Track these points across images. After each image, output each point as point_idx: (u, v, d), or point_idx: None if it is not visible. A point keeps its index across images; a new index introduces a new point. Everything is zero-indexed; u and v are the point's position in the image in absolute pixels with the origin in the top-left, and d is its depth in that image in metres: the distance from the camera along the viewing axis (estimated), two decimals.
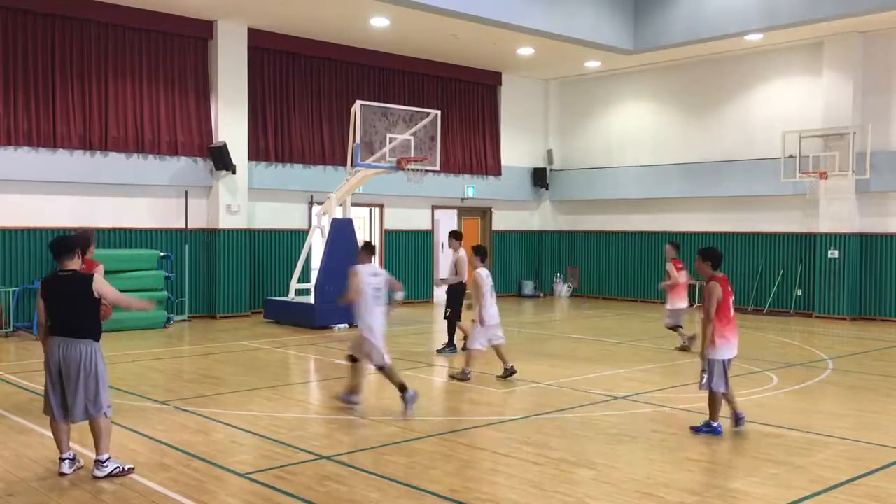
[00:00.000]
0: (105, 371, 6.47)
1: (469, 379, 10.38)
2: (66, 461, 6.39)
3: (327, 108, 18.92)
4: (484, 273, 10.55)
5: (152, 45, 16.35)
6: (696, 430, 7.88)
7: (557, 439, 7.56)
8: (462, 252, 12.99)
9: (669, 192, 20.91)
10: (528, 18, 17.17)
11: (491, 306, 10.45)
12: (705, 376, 7.82)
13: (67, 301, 6.36)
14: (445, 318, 12.95)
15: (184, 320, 16.52)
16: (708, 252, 8.07)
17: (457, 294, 12.90)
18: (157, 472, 6.50)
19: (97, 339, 6.43)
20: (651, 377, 10.81)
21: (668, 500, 5.90)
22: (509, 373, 10.48)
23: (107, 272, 10.06)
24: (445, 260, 16.20)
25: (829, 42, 17.99)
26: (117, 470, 6.31)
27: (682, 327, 13.36)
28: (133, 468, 6.43)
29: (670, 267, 13.36)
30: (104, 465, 6.29)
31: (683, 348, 13.10)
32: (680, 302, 13.37)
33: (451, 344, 12.89)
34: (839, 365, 11.98)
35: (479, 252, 10.96)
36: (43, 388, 6.51)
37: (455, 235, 13.26)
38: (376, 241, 20.41)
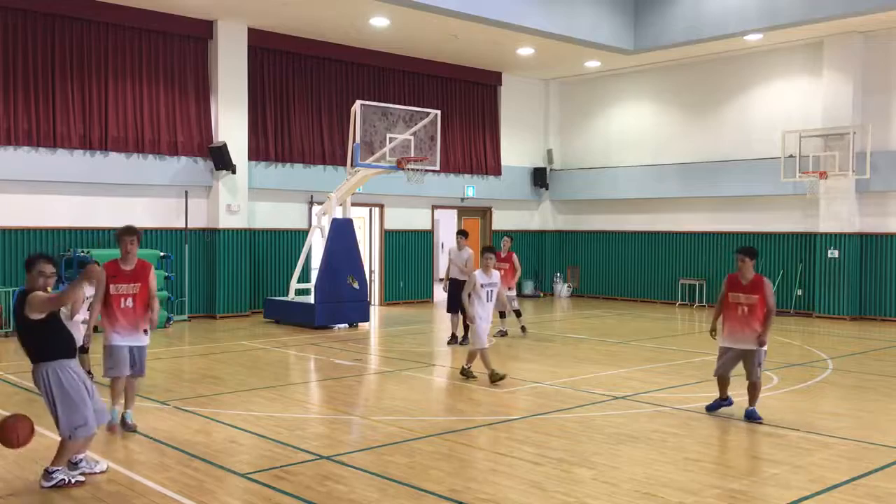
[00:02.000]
0: (70, 391, 6.05)
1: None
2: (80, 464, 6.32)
3: (327, 108, 18.92)
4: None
5: (152, 45, 16.36)
6: (709, 407, 8.64)
7: (557, 439, 7.56)
8: (470, 250, 13.98)
9: (669, 192, 20.91)
10: (528, 18, 17.16)
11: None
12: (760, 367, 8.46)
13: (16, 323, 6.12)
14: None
15: (184, 320, 16.53)
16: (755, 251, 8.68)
17: None
18: (157, 472, 6.50)
19: (51, 359, 6.03)
20: (651, 377, 10.80)
21: (668, 500, 5.90)
22: (470, 375, 10.51)
23: None
24: (445, 259, 16.22)
25: (829, 42, 17.99)
26: (62, 482, 6.09)
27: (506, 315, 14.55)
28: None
29: (516, 258, 14.86)
30: (51, 475, 6.09)
31: (503, 333, 14.46)
32: (510, 290, 14.70)
33: (466, 337, 13.48)
34: (839, 365, 11.98)
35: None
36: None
37: (463, 234, 14.17)
38: (376, 241, 20.44)
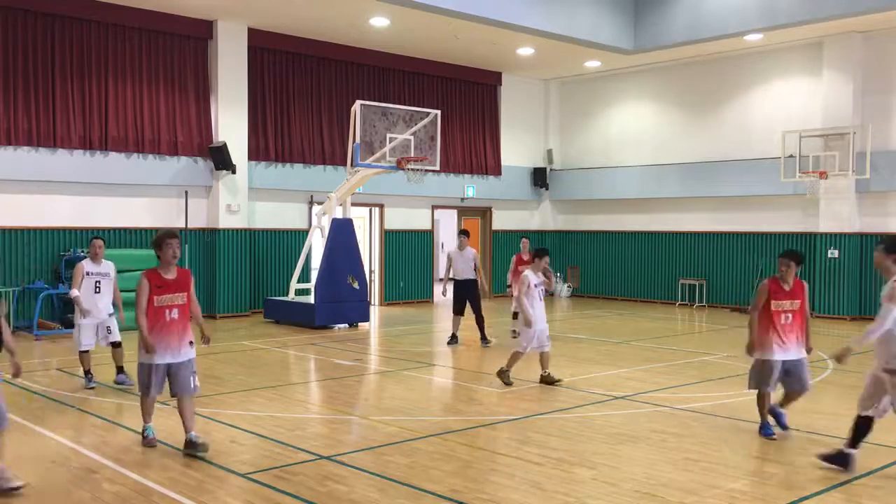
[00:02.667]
0: None
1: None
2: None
3: (327, 108, 18.92)
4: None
5: (152, 45, 16.36)
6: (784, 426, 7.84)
7: (557, 439, 7.56)
8: (473, 249, 14.04)
9: (669, 192, 20.91)
10: (528, 18, 17.17)
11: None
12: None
13: None
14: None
15: None
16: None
17: (477, 288, 13.94)
18: (157, 472, 6.50)
19: None
20: (651, 377, 10.80)
21: (668, 500, 5.90)
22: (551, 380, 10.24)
23: None
24: (444, 259, 16.15)
25: (829, 42, 17.99)
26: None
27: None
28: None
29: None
30: None
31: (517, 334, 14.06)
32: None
33: (485, 338, 13.67)
34: (839, 365, 11.95)
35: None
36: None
37: (465, 234, 14.23)
38: (376, 241, 20.43)
